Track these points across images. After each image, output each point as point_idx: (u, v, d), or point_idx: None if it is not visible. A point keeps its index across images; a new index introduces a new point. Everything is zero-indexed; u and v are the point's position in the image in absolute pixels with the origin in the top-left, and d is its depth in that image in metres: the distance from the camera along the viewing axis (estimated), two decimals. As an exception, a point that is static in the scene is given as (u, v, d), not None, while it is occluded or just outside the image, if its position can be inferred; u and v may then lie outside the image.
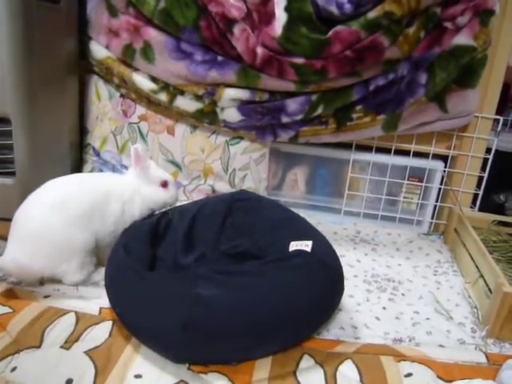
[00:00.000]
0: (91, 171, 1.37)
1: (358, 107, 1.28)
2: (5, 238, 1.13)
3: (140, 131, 1.37)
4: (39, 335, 0.84)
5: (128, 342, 0.85)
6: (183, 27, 1.20)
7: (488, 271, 1.05)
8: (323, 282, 0.89)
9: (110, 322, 0.90)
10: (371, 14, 1.12)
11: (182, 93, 1.28)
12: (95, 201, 1.00)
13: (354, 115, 1.29)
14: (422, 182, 1.45)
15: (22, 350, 0.80)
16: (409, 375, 0.82)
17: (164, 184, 1.08)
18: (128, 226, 1.05)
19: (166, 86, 1.28)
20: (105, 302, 0.93)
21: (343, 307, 1.02)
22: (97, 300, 0.97)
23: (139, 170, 1.06)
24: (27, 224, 0.96)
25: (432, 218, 1.48)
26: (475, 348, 0.93)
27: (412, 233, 1.47)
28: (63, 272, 0.99)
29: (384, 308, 1.05)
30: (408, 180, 1.45)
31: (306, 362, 0.84)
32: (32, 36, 1.05)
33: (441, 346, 0.92)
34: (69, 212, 0.96)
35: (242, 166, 1.37)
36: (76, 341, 0.84)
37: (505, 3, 1.23)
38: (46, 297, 0.97)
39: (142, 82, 1.28)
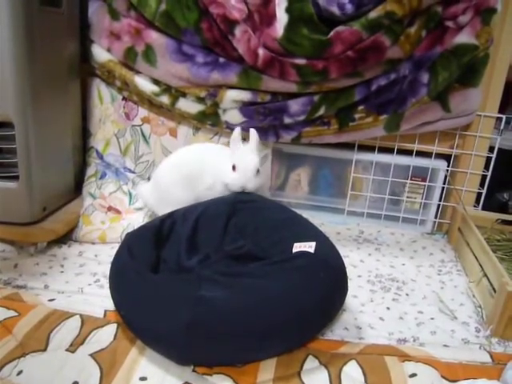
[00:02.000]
0: (95, 174, 1.37)
1: (360, 107, 1.28)
2: (11, 243, 1.15)
3: (143, 133, 1.37)
4: (44, 338, 0.85)
5: (133, 345, 0.85)
6: (184, 29, 1.20)
7: (492, 270, 1.05)
8: (327, 282, 0.89)
9: (115, 325, 0.90)
10: (372, 14, 1.12)
11: (184, 95, 1.28)
12: (198, 168, 1.21)
13: (356, 115, 1.29)
14: (425, 181, 1.45)
15: (27, 354, 0.81)
16: (413, 375, 0.82)
17: (233, 167, 1.15)
18: (132, 230, 1.06)
19: (167, 89, 1.28)
20: (109, 304, 0.94)
21: (347, 308, 1.02)
22: (101, 303, 0.97)
23: (231, 153, 1.18)
24: (155, 172, 1.29)
25: (435, 217, 1.48)
26: (479, 347, 0.93)
27: (415, 232, 1.47)
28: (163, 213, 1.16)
29: (388, 308, 1.05)
30: (411, 179, 1.45)
31: (311, 362, 0.84)
32: (34, 39, 1.06)
33: (445, 345, 0.92)
34: (179, 173, 1.22)
35: (244, 167, 1.37)
36: (81, 344, 0.84)
37: (506, 1, 1.23)
38: (51, 300, 0.97)
39: (144, 84, 1.28)
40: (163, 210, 1.18)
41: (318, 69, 1.18)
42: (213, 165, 1.20)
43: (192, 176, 1.21)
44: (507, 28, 1.26)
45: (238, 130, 1.17)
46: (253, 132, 1.18)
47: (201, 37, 1.20)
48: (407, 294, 1.11)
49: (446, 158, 1.42)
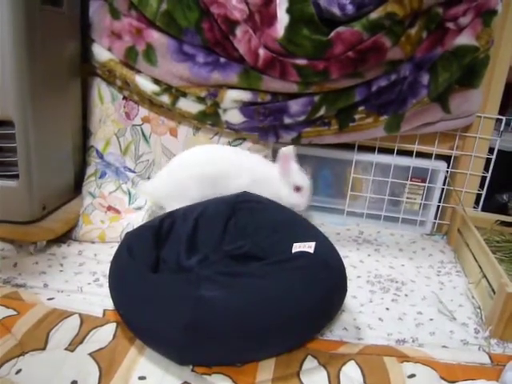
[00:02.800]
0: (94, 173, 1.37)
1: (361, 108, 1.29)
2: (11, 241, 1.15)
3: (143, 133, 1.37)
4: (44, 337, 0.85)
5: (132, 344, 0.85)
6: (185, 29, 1.20)
7: (491, 271, 1.05)
8: (326, 283, 0.89)
9: (114, 324, 0.90)
10: (373, 15, 1.13)
11: (185, 95, 1.28)
12: (223, 170, 1.23)
13: (357, 116, 1.30)
14: (424, 182, 1.45)
15: (26, 353, 0.81)
16: (412, 376, 0.82)
17: (297, 189, 1.20)
18: (132, 229, 1.06)
19: (168, 88, 1.28)
20: (109, 303, 0.94)
21: (346, 308, 1.02)
22: (101, 302, 0.97)
23: (282, 170, 1.21)
24: (168, 167, 1.30)
25: (435, 218, 1.48)
26: (478, 348, 0.93)
27: (415, 233, 1.47)
28: (171, 208, 1.18)
29: (387, 309, 1.05)
30: (411, 180, 1.45)
31: (310, 363, 0.84)
32: (35, 39, 1.05)
33: (444, 346, 0.92)
34: (192, 171, 1.23)
35: (244, 168, 1.37)
36: (80, 343, 0.84)
37: (507, 3, 1.23)
38: (51, 299, 0.97)
39: (145, 84, 1.28)
40: (173, 206, 1.19)
41: (319, 69, 1.18)
42: (249, 167, 1.24)
43: (218, 176, 1.23)
44: (508, 29, 1.26)
45: (291, 148, 1.21)
46: (290, 149, 1.22)
47: (201, 37, 1.20)
48: (406, 295, 1.11)
49: (446, 159, 1.42)
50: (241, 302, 0.81)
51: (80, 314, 0.92)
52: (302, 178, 1.22)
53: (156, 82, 1.29)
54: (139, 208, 1.35)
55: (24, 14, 1.01)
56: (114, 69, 1.30)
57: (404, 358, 0.87)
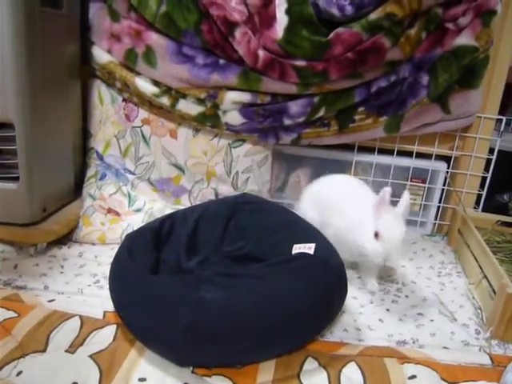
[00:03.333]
0: (95, 175, 1.37)
1: (360, 109, 1.28)
2: (11, 243, 1.15)
3: (143, 135, 1.37)
4: (44, 339, 0.85)
5: (132, 346, 0.85)
6: (185, 31, 1.20)
7: (492, 272, 1.05)
8: (326, 284, 0.89)
9: (115, 326, 0.90)
10: (372, 16, 1.13)
11: (184, 96, 1.28)
12: (332, 197, 1.17)
13: (356, 117, 1.29)
14: (424, 182, 1.45)
15: (27, 355, 0.81)
16: (413, 377, 0.82)
17: (376, 234, 1.00)
18: (132, 231, 1.06)
19: (168, 90, 1.28)
20: (109, 305, 0.94)
21: (347, 309, 1.02)
22: (101, 304, 0.97)
23: (376, 210, 1.02)
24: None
25: (435, 218, 1.48)
26: (479, 349, 0.93)
27: (415, 234, 1.47)
28: None
29: (387, 310, 1.05)
30: (411, 181, 1.45)
31: (310, 364, 0.84)
32: (35, 41, 1.06)
33: (445, 347, 0.92)
34: (312, 196, 1.24)
35: (244, 169, 1.37)
36: (81, 345, 0.84)
37: (507, 3, 1.23)
38: (51, 301, 0.97)
39: (145, 86, 1.28)
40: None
41: (318, 70, 1.18)
42: (350, 205, 1.10)
43: (323, 202, 1.18)
44: (507, 30, 1.26)
45: (388, 191, 1.00)
46: (406, 196, 1.04)
47: (201, 38, 1.20)
48: (407, 296, 1.11)
49: (446, 159, 1.42)
50: (241, 303, 0.81)
51: (80, 316, 0.92)
52: (385, 224, 1.00)
53: (156, 83, 1.29)
54: (139, 210, 1.35)
55: (24, 16, 1.01)
56: (114, 71, 1.30)
57: (404, 359, 0.87)
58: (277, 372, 0.81)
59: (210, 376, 0.79)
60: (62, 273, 1.10)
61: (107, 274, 0.95)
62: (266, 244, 1.05)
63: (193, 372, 0.80)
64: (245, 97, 1.25)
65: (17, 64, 1.02)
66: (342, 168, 1.47)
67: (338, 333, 0.94)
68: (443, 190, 1.44)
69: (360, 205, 1.08)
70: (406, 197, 1.03)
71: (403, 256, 1.00)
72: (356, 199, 1.12)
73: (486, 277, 1.08)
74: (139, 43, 1.25)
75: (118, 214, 1.33)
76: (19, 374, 0.76)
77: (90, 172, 1.38)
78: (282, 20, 1.16)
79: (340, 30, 1.15)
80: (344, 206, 1.11)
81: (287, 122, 1.27)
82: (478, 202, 1.43)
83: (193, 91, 1.26)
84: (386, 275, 1.19)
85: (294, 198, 1.50)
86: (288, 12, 1.15)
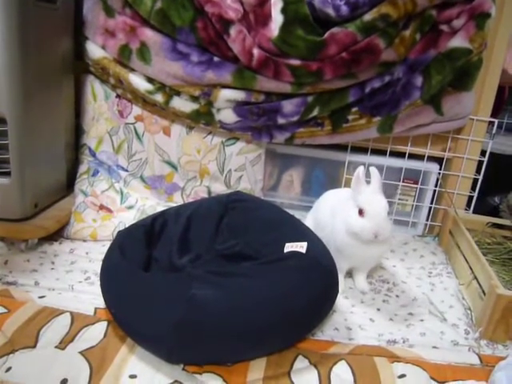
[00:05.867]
0: (87, 171, 1.37)
1: (354, 109, 1.29)
2: (2, 239, 1.14)
3: (136, 132, 1.37)
4: (34, 335, 0.85)
5: (123, 343, 0.85)
6: (180, 28, 1.20)
7: (482, 273, 1.05)
8: (318, 283, 0.90)
9: (105, 323, 0.90)
10: (367, 17, 1.13)
11: (178, 93, 1.28)
12: (329, 209, 1.16)
13: (350, 117, 1.30)
14: (417, 183, 1.45)
15: (16, 350, 0.81)
16: (402, 376, 0.83)
17: (360, 212, 1.01)
18: (124, 228, 1.06)
19: (162, 87, 1.28)
20: (100, 302, 0.93)
21: (337, 308, 1.03)
22: (92, 300, 0.97)
23: (352, 190, 1.06)
24: None
25: (427, 219, 1.48)
26: (468, 349, 0.93)
27: (407, 234, 1.48)
28: None
29: (378, 309, 1.05)
30: (403, 182, 1.45)
31: (301, 362, 0.84)
32: (28, 35, 1.05)
33: (434, 347, 0.93)
34: (319, 205, 1.25)
35: (237, 167, 1.38)
36: (71, 341, 0.84)
37: (501, 6, 1.24)
38: (42, 297, 0.97)
39: (138, 82, 1.28)
40: None
41: (313, 70, 1.18)
42: (336, 211, 1.12)
43: (319, 216, 1.21)
44: (501, 33, 1.27)
45: (361, 170, 1.05)
46: (374, 171, 1.07)
47: (196, 36, 1.20)
48: (397, 296, 1.12)
49: (439, 160, 1.43)
50: (232, 301, 0.81)
51: (71, 313, 0.92)
52: (366, 199, 1.02)
53: (149, 80, 1.28)
54: (131, 207, 1.35)
55: (17, 11, 1.00)
56: (108, 67, 1.29)
57: (394, 358, 0.87)
58: (267, 370, 0.81)
59: (200, 373, 0.80)
60: (52, 269, 1.10)
61: (98, 270, 0.95)
62: (258, 242, 1.05)
63: (183, 369, 0.80)
64: (239, 95, 1.25)
65: (9, 58, 1.02)
66: (335, 168, 1.47)
67: (329, 332, 0.95)
68: (435, 191, 1.45)
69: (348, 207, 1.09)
70: (373, 171, 1.08)
71: (392, 230, 1.03)
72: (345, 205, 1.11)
73: (476, 278, 1.09)
74: (134, 39, 1.24)
75: (110, 210, 1.33)
76: (8, 369, 0.76)
77: (83, 168, 1.38)
78: (277, 19, 1.16)
79: (335, 29, 1.15)
80: (335, 214, 1.12)
81: (281, 120, 1.27)
82: (469, 204, 1.44)
83: (187, 88, 1.26)
84: (377, 275, 1.20)
85: (287, 197, 1.50)
86: (283, 11, 1.15)
